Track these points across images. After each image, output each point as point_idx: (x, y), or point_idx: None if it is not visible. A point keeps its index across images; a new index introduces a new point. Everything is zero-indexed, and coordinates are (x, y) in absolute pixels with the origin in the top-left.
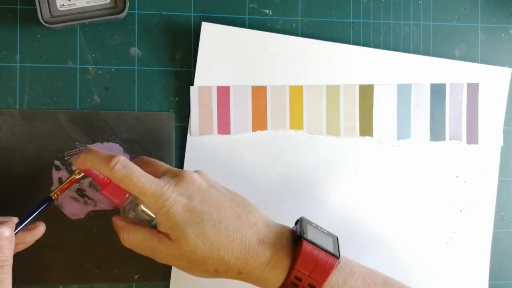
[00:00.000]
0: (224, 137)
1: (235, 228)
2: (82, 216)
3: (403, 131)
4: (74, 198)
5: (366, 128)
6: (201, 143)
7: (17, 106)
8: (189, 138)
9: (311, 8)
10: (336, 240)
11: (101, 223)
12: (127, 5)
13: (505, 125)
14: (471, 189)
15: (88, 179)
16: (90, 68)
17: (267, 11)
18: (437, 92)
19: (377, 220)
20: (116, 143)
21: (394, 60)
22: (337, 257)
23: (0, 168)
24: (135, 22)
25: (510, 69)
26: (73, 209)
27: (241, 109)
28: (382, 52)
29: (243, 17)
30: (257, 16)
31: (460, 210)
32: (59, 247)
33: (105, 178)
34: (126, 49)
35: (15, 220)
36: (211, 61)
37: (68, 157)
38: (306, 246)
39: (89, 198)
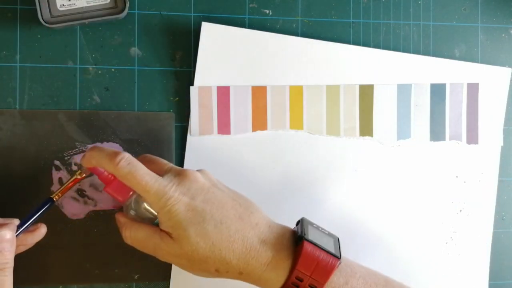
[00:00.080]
0: (224, 137)
1: (236, 228)
2: (82, 216)
3: (403, 131)
4: (74, 198)
5: (366, 128)
6: (201, 143)
7: (17, 106)
8: (189, 138)
9: (311, 8)
10: (337, 240)
11: (101, 223)
12: (127, 5)
13: (505, 125)
14: (471, 189)
15: (88, 179)
16: (90, 68)
17: (267, 11)
18: (437, 92)
19: (377, 220)
20: (116, 143)
21: (394, 60)
22: (338, 257)
23: (0, 168)
24: (135, 22)
25: (510, 69)
26: (73, 209)
27: (241, 109)
28: (382, 52)
29: (243, 17)
30: (257, 16)
31: (460, 210)
32: (59, 247)
33: (109, 176)
34: (126, 49)
35: (16, 221)
36: (211, 61)
37: (68, 157)
38: (307, 246)
39: (89, 198)
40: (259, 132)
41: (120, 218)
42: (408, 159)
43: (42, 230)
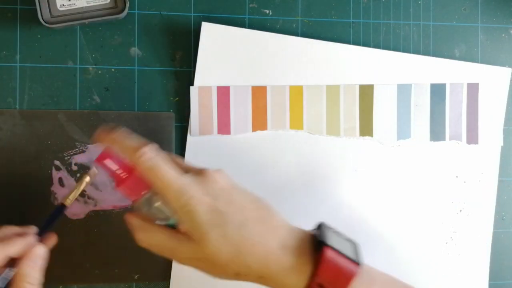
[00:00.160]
0: (224, 137)
1: (257, 231)
2: (82, 216)
3: (403, 131)
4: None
5: (366, 128)
6: (201, 143)
7: (17, 106)
8: (189, 138)
9: (311, 8)
10: (357, 246)
11: (101, 223)
12: (127, 5)
13: (505, 125)
14: (471, 189)
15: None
16: (90, 68)
17: (267, 11)
18: (437, 92)
19: (377, 220)
20: None
21: (394, 60)
22: (358, 264)
23: (0, 168)
24: (135, 22)
25: (510, 69)
26: (73, 209)
27: (241, 109)
28: (382, 52)
29: (243, 17)
30: (257, 16)
31: (460, 210)
32: (59, 247)
33: (121, 174)
34: (126, 49)
35: (34, 230)
36: (211, 61)
37: (68, 157)
38: (328, 252)
39: (89, 198)
40: (259, 132)
41: (133, 220)
42: (408, 159)
43: (53, 239)
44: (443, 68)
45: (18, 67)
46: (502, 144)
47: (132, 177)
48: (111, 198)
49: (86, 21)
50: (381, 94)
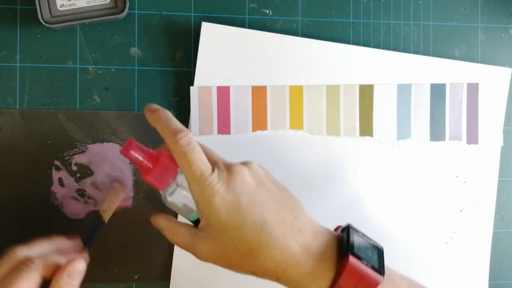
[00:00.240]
0: (224, 137)
1: (278, 235)
2: (82, 216)
3: (403, 131)
4: (74, 198)
5: (366, 128)
6: (201, 143)
7: (17, 106)
8: None
9: (311, 8)
10: (381, 252)
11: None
12: (127, 5)
13: (505, 125)
14: (471, 189)
15: (88, 179)
16: (90, 68)
17: (267, 11)
18: (437, 92)
19: (377, 220)
20: (116, 143)
21: (394, 60)
22: (382, 273)
23: (0, 168)
24: (135, 22)
25: (510, 69)
26: (73, 209)
27: (241, 109)
28: (382, 52)
29: (243, 17)
30: (257, 16)
31: (460, 210)
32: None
33: (148, 164)
34: (126, 49)
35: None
36: (211, 61)
37: (68, 157)
38: (352, 261)
39: (89, 198)
40: (259, 132)
41: (159, 222)
42: (408, 159)
43: (87, 257)
44: (443, 68)
45: (18, 67)
46: (502, 144)
47: (157, 167)
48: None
49: (86, 21)
50: (381, 94)
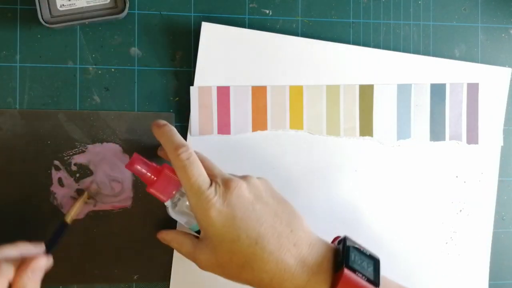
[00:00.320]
0: (224, 137)
1: (272, 249)
2: (82, 216)
3: (403, 131)
4: (74, 198)
5: (366, 128)
6: (201, 143)
7: (17, 106)
8: (189, 138)
9: (311, 8)
10: (377, 263)
11: (101, 223)
12: (127, 5)
13: (505, 125)
14: (471, 189)
15: (88, 178)
16: (90, 68)
17: (267, 11)
18: (437, 92)
19: (377, 220)
20: (116, 143)
21: (394, 60)
22: (377, 285)
23: (0, 168)
24: (135, 22)
25: (510, 69)
26: None
27: (241, 109)
28: (382, 52)
29: (243, 17)
30: (257, 16)
31: (460, 210)
32: (59, 247)
33: (151, 176)
34: (126, 49)
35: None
36: (211, 61)
37: (68, 157)
38: (347, 274)
39: (89, 198)
40: (259, 132)
41: (165, 237)
42: (408, 159)
43: (51, 261)
44: (443, 68)
45: (18, 67)
46: (502, 144)
47: (161, 179)
48: (110, 199)
49: (86, 21)
50: (381, 94)
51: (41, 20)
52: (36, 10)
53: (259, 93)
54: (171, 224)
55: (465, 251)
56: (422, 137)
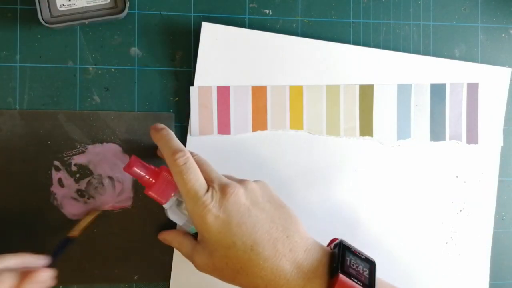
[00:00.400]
0: (224, 137)
1: (267, 255)
2: (82, 216)
3: (403, 131)
4: (74, 198)
5: (366, 128)
6: (201, 143)
7: (17, 106)
8: (189, 138)
9: (311, 8)
10: (373, 267)
11: (101, 223)
12: (127, 5)
13: (505, 125)
14: (471, 189)
15: (88, 178)
16: (90, 68)
17: (267, 11)
18: (437, 92)
19: (377, 220)
20: (116, 143)
21: (394, 60)
22: None
23: (0, 168)
24: (135, 22)
25: (510, 69)
26: (73, 209)
27: (241, 109)
28: (382, 52)
29: (243, 17)
30: (257, 16)
31: (460, 210)
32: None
33: (150, 179)
34: (126, 49)
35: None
36: (211, 61)
37: (68, 157)
38: (342, 280)
39: (89, 198)
40: (259, 132)
41: (166, 237)
42: (408, 159)
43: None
44: (443, 68)
45: (18, 67)
46: (502, 144)
47: (159, 182)
48: (110, 199)
49: (86, 21)
50: (381, 94)
51: (41, 20)
52: (36, 10)
53: (259, 93)
54: (171, 224)
55: (465, 251)
56: (422, 137)
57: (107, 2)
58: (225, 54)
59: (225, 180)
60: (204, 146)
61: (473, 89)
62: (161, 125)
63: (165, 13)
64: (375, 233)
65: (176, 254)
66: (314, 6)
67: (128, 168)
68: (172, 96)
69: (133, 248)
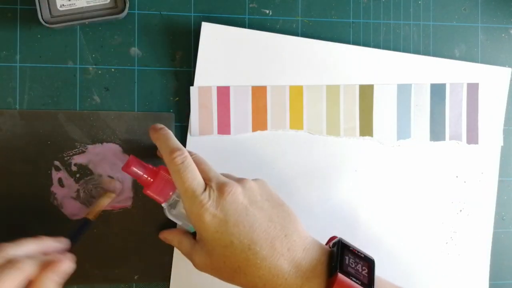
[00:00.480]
0: (224, 137)
1: (265, 255)
2: (82, 216)
3: (403, 131)
4: (74, 198)
5: (366, 128)
6: (201, 143)
7: (17, 106)
8: (189, 138)
9: (311, 8)
10: (372, 265)
11: (101, 223)
12: (127, 5)
13: (505, 125)
14: (471, 189)
15: (88, 178)
16: (90, 68)
17: (267, 11)
18: (437, 92)
19: (377, 220)
20: (116, 143)
21: (394, 60)
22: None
23: (0, 168)
24: (135, 22)
25: (510, 69)
26: (73, 209)
27: (241, 109)
28: (382, 52)
29: (243, 17)
30: (257, 16)
31: (460, 210)
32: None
33: (148, 178)
34: (126, 49)
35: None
36: (211, 61)
37: (68, 157)
38: (340, 279)
39: (89, 198)
40: (259, 132)
41: (167, 236)
42: (408, 159)
43: (73, 263)
44: (443, 68)
45: (18, 67)
46: (502, 144)
47: (157, 181)
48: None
49: (86, 21)
50: (381, 94)
51: (41, 20)
52: (36, 10)
53: (259, 93)
54: (171, 224)
55: (465, 251)
56: (422, 137)
57: (107, 2)
58: (225, 54)
59: (223, 179)
60: (204, 146)
61: (473, 89)
62: (160, 125)
63: (165, 13)
64: (375, 233)
65: (176, 254)
66: (314, 6)
67: (126, 168)
68: (172, 96)
69: (133, 248)
